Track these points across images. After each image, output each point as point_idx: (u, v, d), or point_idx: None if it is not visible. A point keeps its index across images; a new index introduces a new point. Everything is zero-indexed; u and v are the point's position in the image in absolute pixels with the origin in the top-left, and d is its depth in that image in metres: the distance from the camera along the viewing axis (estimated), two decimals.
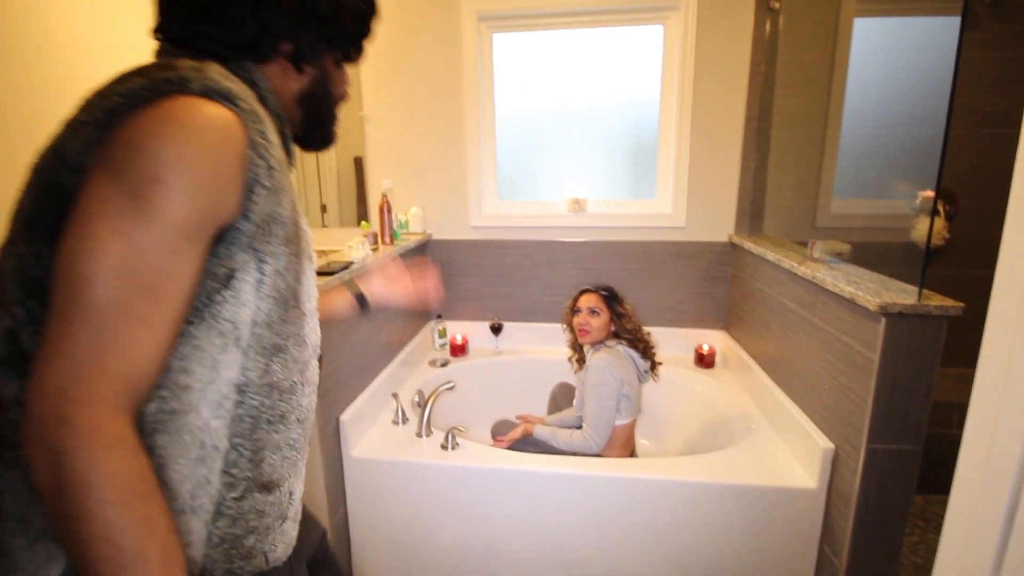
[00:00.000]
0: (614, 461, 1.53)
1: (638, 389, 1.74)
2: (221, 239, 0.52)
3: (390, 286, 1.04)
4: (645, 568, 1.48)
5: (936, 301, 1.14)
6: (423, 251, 2.36)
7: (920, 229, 2.09)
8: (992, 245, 0.45)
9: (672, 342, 2.27)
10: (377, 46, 2.15)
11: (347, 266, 1.53)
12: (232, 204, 0.51)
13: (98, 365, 0.45)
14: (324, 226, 2.48)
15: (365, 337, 1.73)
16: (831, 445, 1.34)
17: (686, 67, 2.07)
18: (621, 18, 2.13)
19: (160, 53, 0.60)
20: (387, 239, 2.01)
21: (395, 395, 1.76)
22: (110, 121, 0.48)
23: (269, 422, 0.58)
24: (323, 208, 2.49)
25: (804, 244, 1.85)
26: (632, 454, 1.80)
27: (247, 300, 0.53)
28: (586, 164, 2.32)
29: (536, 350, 2.34)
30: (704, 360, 2.18)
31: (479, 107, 2.22)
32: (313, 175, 2.43)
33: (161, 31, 0.60)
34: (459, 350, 2.34)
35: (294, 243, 0.59)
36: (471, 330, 2.40)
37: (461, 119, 2.23)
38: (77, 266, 0.45)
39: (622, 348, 1.73)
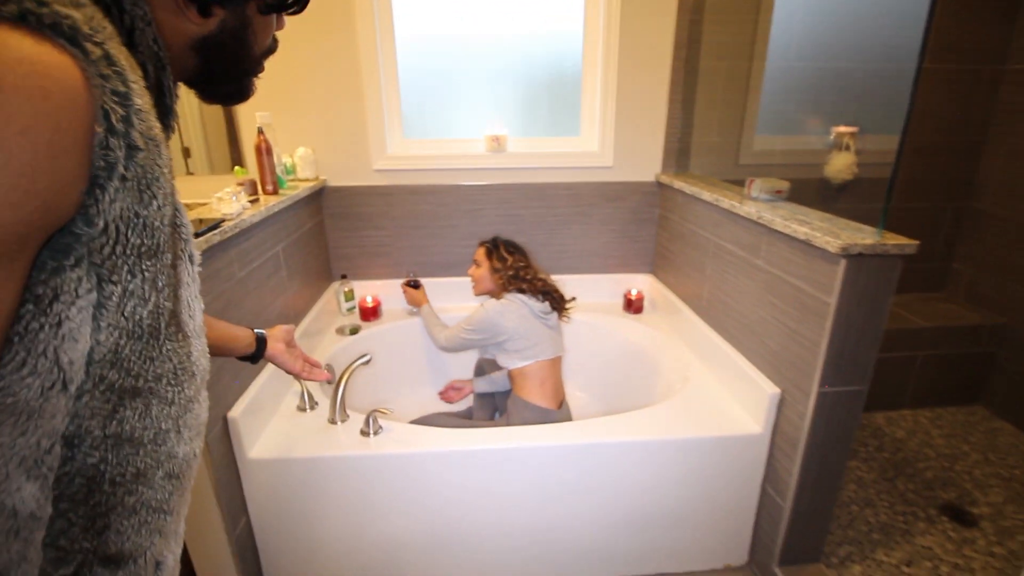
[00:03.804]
0: (549, 430, 1.38)
1: (540, 333, 1.71)
2: (46, 245, 0.36)
3: (290, 352, 1.02)
4: (590, 529, 1.41)
5: (893, 240, 1.09)
6: (317, 200, 2.00)
7: (834, 164, 2.13)
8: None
9: (600, 288, 2.18)
10: None
11: (217, 224, 1.19)
12: (68, 203, 0.35)
13: None
14: (189, 173, 2.00)
15: (254, 308, 1.40)
16: (777, 390, 1.31)
17: None
18: None
19: None
20: (269, 187, 1.64)
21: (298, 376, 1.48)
22: None
23: (115, 483, 0.44)
24: (186, 152, 2.00)
25: (734, 183, 1.79)
26: (560, 399, 1.74)
27: (77, 332, 0.38)
28: (502, 98, 2.06)
29: (457, 307, 2.13)
30: (633, 305, 2.11)
31: (376, 27, 1.84)
32: None
33: None
34: (371, 313, 2.06)
35: (167, 250, 0.44)
36: (383, 289, 2.13)
37: (354, 41, 1.85)
38: None
39: (511, 295, 1.73)
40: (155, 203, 0.41)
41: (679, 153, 2.06)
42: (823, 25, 2.12)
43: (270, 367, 1.44)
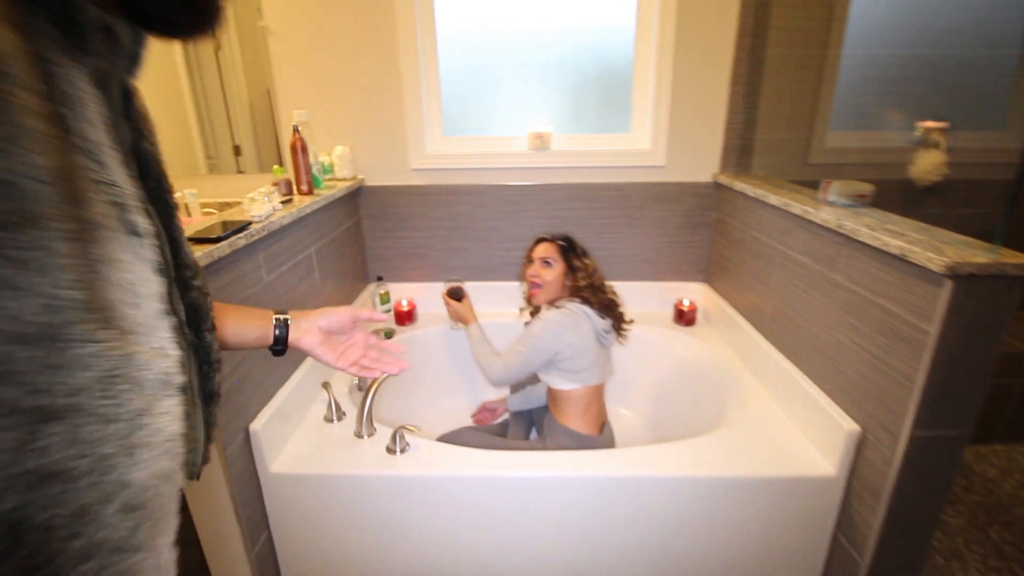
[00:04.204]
0: (589, 458, 1.25)
1: (597, 354, 1.51)
2: None
3: (329, 344, 0.77)
4: (631, 569, 1.27)
5: (1013, 258, 0.90)
6: (354, 200, 1.94)
7: (920, 164, 1.89)
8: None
9: (649, 297, 2.03)
10: None
11: (243, 227, 1.13)
12: None
13: None
14: (240, 172, 2.00)
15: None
16: (856, 428, 1.14)
17: None
18: None
19: None
20: (304, 187, 1.59)
21: (326, 384, 1.42)
22: None
23: (49, 528, 0.34)
24: (236, 150, 2.00)
25: (803, 184, 1.60)
26: (602, 423, 1.58)
27: None
28: (547, 93, 1.93)
29: (495, 312, 2.03)
30: (684, 317, 1.95)
31: (416, 20, 1.76)
32: (220, 107, 1.91)
33: None
34: (405, 317, 2.00)
35: (55, 219, 0.32)
36: (419, 293, 2.05)
37: (393, 36, 1.77)
38: None
39: (575, 305, 1.50)
40: (15, 151, 0.30)
41: (740, 151, 1.87)
42: (910, 7, 1.89)
43: (301, 370, 1.38)
